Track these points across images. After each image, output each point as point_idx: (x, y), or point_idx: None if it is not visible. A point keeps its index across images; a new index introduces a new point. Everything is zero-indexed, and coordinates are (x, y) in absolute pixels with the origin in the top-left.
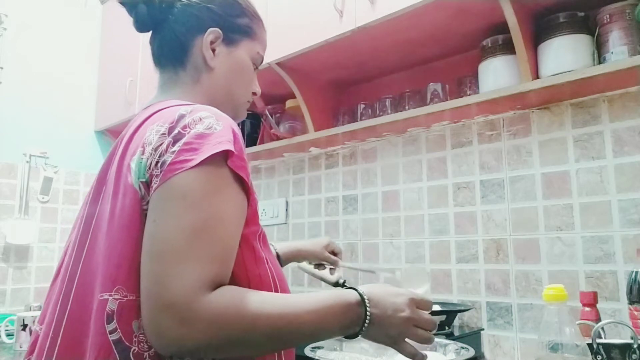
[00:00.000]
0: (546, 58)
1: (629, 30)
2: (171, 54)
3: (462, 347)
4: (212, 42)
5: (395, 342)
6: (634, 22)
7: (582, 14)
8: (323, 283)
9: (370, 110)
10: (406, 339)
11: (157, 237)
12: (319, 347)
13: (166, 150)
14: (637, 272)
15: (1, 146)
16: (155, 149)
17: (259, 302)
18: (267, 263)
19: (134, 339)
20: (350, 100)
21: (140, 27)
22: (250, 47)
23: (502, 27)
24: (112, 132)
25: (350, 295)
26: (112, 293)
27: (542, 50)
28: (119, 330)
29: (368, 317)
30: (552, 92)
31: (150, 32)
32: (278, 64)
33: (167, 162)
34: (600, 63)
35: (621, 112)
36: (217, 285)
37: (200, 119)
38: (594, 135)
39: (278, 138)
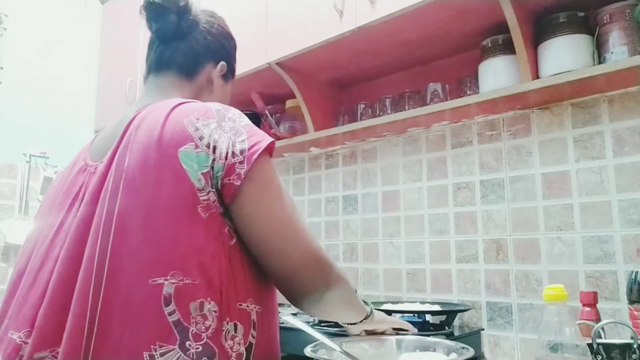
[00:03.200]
0: (546, 58)
1: (629, 30)
2: (184, 65)
3: (462, 347)
4: (220, 71)
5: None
6: (634, 22)
7: (582, 14)
8: None
9: (370, 110)
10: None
11: (276, 213)
12: (319, 347)
13: (235, 140)
14: (637, 272)
15: (1, 146)
16: (218, 141)
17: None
18: None
19: (192, 320)
20: (350, 100)
21: (162, 34)
22: (230, 87)
23: (502, 27)
24: None
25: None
26: (168, 277)
27: (542, 50)
28: (177, 312)
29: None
30: (552, 92)
31: (158, 41)
32: (278, 64)
33: (246, 148)
34: (600, 63)
35: (621, 112)
36: None
37: (239, 114)
38: (594, 135)
39: (278, 138)
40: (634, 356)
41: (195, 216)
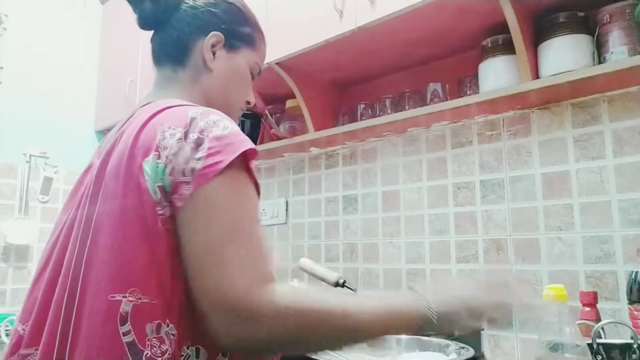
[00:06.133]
0: (546, 58)
1: (629, 30)
2: (172, 53)
3: (462, 347)
4: (213, 45)
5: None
6: (634, 22)
7: (582, 14)
8: (323, 283)
9: (370, 110)
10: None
11: (205, 241)
12: None
13: (191, 157)
14: (637, 272)
15: (1, 146)
16: (176, 155)
17: (324, 298)
18: None
19: (147, 343)
20: (350, 100)
21: (144, 24)
22: (249, 56)
23: (502, 27)
24: None
25: (418, 308)
26: (126, 295)
27: (542, 50)
28: (132, 332)
29: (435, 320)
30: (552, 92)
31: (152, 31)
32: (278, 64)
33: (197, 169)
34: (600, 63)
35: (621, 112)
36: (269, 282)
37: (214, 122)
38: (594, 135)
39: (278, 138)
40: (634, 356)
41: (157, 231)
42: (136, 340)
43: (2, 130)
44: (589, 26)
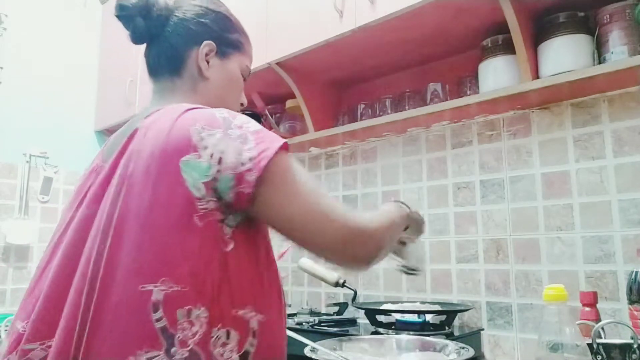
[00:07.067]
0: (546, 58)
1: (629, 30)
2: (168, 64)
3: (462, 347)
4: (207, 54)
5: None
6: (634, 22)
7: (582, 14)
8: (323, 283)
9: (370, 110)
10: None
11: (303, 202)
12: (319, 347)
13: (242, 149)
14: (637, 272)
15: (1, 146)
16: (224, 151)
17: (382, 216)
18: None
19: (178, 327)
20: (350, 100)
21: (137, 39)
22: (240, 60)
23: (502, 27)
24: (112, 132)
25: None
26: (157, 284)
27: (542, 50)
28: (164, 318)
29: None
30: (552, 92)
31: (145, 45)
32: (278, 64)
33: (254, 156)
34: (600, 63)
35: (621, 112)
36: (354, 213)
37: (246, 120)
38: (594, 135)
39: None
40: (634, 356)
41: (191, 224)
42: (168, 325)
43: (2, 130)
44: (589, 26)
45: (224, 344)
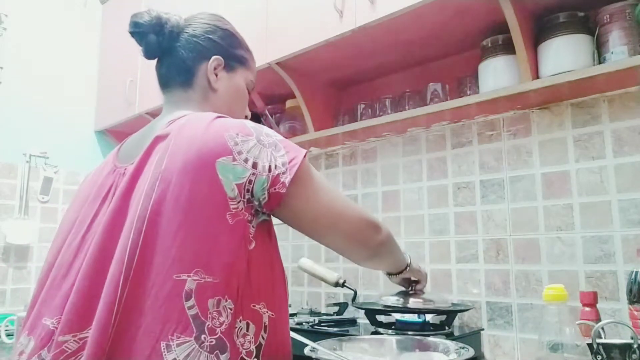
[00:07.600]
0: (546, 58)
1: (629, 30)
2: (179, 77)
3: (462, 347)
4: (215, 68)
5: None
6: (634, 22)
7: (582, 14)
8: (323, 283)
9: (370, 110)
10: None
11: (331, 199)
12: (318, 347)
13: (276, 155)
14: (637, 272)
15: (1, 146)
16: (258, 157)
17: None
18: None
19: (209, 315)
20: (350, 100)
21: (150, 54)
22: (245, 74)
23: (502, 27)
24: (112, 132)
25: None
26: (191, 274)
27: (542, 50)
28: (196, 306)
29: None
30: (552, 92)
31: (157, 59)
32: (278, 64)
33: (287, 161)
34: (600, 63)
35: (621, 112)
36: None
37: (271, 130)
38: (594, 135)
39: None
40: (634, 356)
41: (223, 221)
42: (199, 313)
43: (2, 130)
44: (589, 26)
45: (245, 335)
